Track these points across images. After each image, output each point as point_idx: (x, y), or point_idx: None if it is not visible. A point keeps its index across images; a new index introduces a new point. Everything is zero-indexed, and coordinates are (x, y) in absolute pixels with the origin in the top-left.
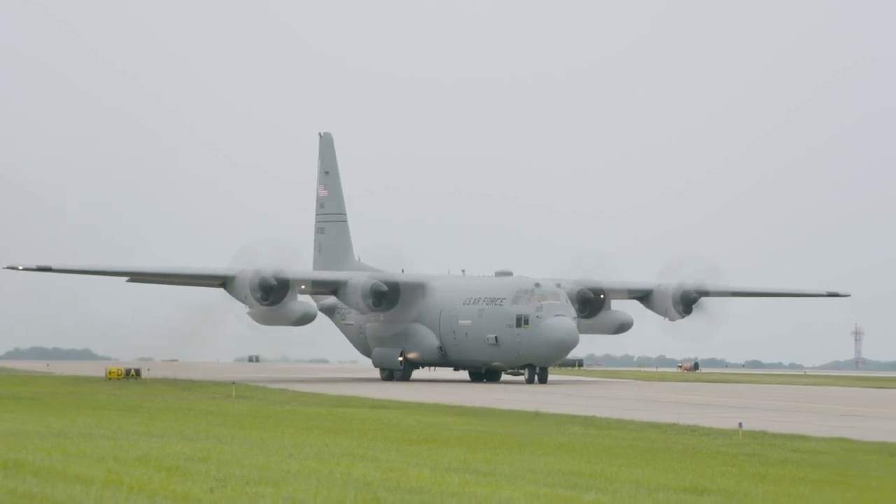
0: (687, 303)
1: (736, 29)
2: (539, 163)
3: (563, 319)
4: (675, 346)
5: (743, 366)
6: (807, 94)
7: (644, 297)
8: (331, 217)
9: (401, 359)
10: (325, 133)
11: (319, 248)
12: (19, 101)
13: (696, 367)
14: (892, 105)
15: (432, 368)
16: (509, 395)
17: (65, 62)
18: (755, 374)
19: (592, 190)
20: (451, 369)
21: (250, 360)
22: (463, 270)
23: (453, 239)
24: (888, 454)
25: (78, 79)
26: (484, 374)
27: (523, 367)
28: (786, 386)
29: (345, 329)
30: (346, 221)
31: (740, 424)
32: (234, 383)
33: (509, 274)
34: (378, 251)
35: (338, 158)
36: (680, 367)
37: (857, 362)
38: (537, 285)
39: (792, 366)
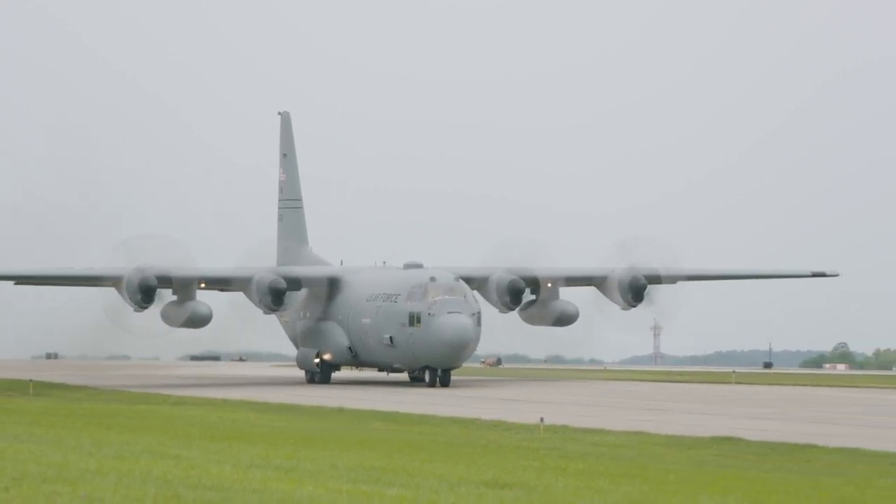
0: (636, 290)
1: (736, 29)
2: (539, 163)
3: (456, 317)
4: (630, 341)
5: (545, 361)
6: (807, 94)
7: (590, 284)
8: (288, 203)
9: (317, 360)
10: (283, 112)
11: (279, 238)
12: (19, 102)
13: (498, 362)
14: (892, 105)
15: (356, 368)
16: (382, 395)
17: (63, 61)
18: (557, 368)
19: (592, 190)
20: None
21: (48, 357)
22: (384, 262)
23: (453, 239)
24: (685, 447)
25: (77, 77)
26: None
27: (422, 370)
28: (587, 381)
29: (284, 327)
30: (301, 208)
31: (542, 419)
32: (31, 380)
33: (419, 266)
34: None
35: (296, 139)
36: (483, 362)
37: (656, 357)
38: (433, 279)
39: (593, 361)
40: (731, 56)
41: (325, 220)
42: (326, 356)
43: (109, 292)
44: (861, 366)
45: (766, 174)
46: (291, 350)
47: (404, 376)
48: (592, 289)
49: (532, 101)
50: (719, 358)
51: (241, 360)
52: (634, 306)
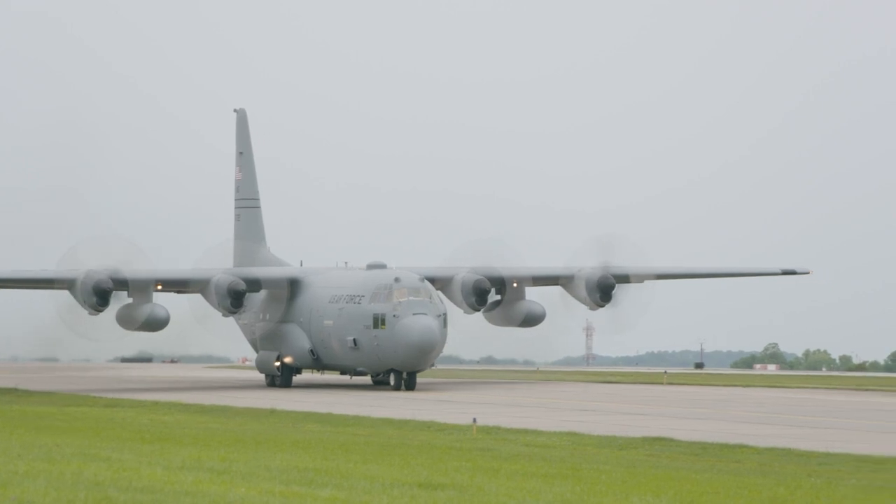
0: (604, 290)
1: (736, 28)
2: (524, 163)
3: (421, 318)
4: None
5: (478, 362)
6: (806, 92)
7: (557, 284)
8: (245, 203)
9: (278, 363)
10: (239, 109)
11: (236, 239)
12: (19, 102)
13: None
14: (875, 109)
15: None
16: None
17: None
18: (491, 370)
19: (593, 191)
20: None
21: None
22: (346, 262)
23: (418, 239)
24: (617, 448)
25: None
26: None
27: (387, 373)
28: (520, 382)
29: (243, 329)
30: (259, 207)
31: (474, 420)
32: None
33: (383, 266)
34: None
35: (252, 137)
36: None
37: (588, 358)
38: (397, 280)
39: (526, 362)
40: (730, 57)
41: (284, 220)
42: (287, 359)
43: (62, 295)
44: (791, 366)
45: (764, 175)
46: (223, 352)
47: (367, 379)
48: (559, 289)
49: (522, 103)
50: (651, 358)
51: (172, 361)
52: (602, 306)
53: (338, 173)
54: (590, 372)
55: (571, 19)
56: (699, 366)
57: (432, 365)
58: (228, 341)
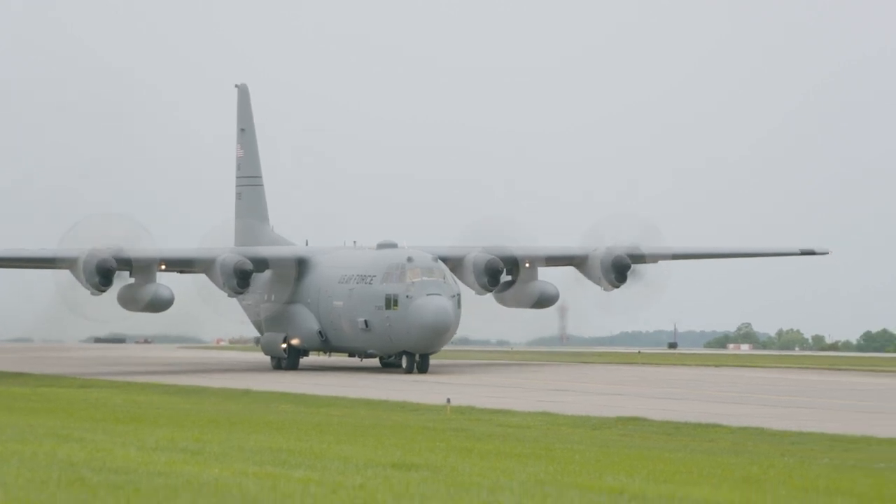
0: (620, 270)
1: (736, 28)
2: (539, 164)
3: (435, 299)
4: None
5: (452, 342)
6: (806, 92)
7: (571, 264)
8: (247, 181)
9: (284, 345)
10: (241, 84)
11: (238, 217)
12: (18, 101)
13: None
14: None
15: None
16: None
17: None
18: (464, 350)
19: (592, 187)
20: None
21: None
22: (354, 241)
23: (426, 219)
24: (591, 427)
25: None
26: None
27: (399, 355)
28: (494, 362)
29: (246, 310)
30: (262, 185)
31: (448, 400)
32: None
33: (394, 245)
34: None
35: (254, 113)
36: None
37: (562, 338)
38: (410, 259)
39: (499, 342)
40: (729, 55)
41: (286, 198)
42: (294, 341)
43: (63, 274)
44: (764, 346)
45: (744, 182)
46: (194, 332)
47: (376, 362)
48: (572, 269)
49: (522, 103)
50: (624, 338)
51: (146, 341)
52: (617, 287)
53: (336, 168)
54: (564, 352)
55: (571, 19)
56: (672, 346)
57: None
58: (233, 323)
